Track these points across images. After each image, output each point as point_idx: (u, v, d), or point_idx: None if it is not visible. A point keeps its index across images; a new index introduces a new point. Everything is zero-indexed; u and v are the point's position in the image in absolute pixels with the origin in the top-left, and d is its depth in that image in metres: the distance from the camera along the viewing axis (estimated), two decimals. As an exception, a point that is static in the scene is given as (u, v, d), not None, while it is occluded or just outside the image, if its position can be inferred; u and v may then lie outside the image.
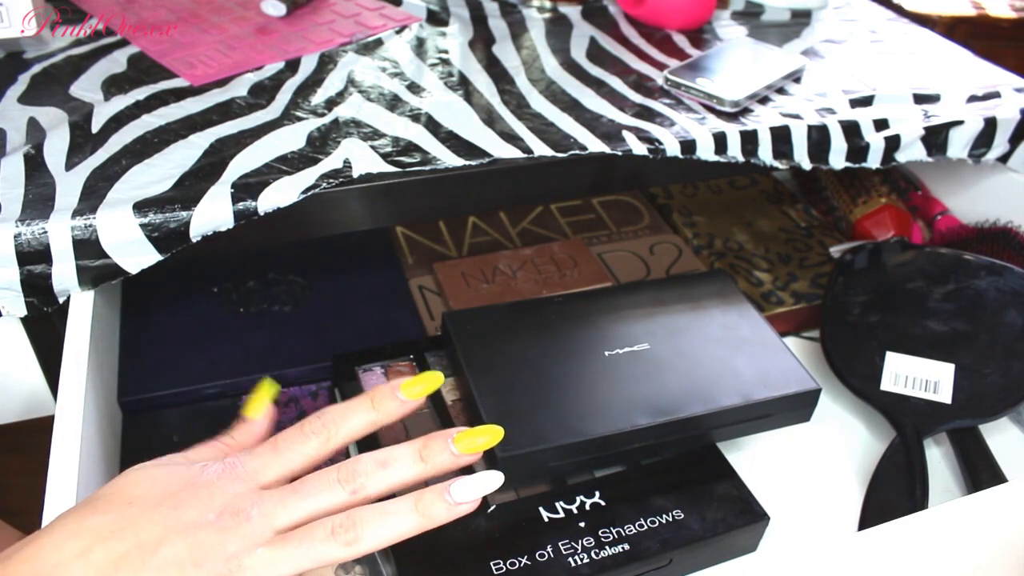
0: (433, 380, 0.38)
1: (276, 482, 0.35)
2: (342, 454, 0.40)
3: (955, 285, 0.62)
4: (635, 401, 0.50)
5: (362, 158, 0.52)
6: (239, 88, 0.60)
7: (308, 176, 0.50)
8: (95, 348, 0.48)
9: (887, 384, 0.57)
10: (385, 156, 0.52)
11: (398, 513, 0.34)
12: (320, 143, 0.54)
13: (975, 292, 0.61)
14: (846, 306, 0.63)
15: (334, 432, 0.37)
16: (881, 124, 0.61)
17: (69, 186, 0.49)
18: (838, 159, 0.60)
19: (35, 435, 0.50)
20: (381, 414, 0.37)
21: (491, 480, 0.35)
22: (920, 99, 0.65)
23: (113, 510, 0.32)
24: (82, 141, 0.53)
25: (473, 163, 0.52)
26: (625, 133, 0.56)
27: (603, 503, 0.48)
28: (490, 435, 0.36)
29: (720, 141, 0.57)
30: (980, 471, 0.54)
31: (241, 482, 0.34)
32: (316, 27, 0.71)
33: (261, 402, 0.40)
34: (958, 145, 0.63)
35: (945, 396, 0.56)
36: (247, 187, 0.48)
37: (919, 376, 0.57)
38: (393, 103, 0.59)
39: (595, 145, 0.55)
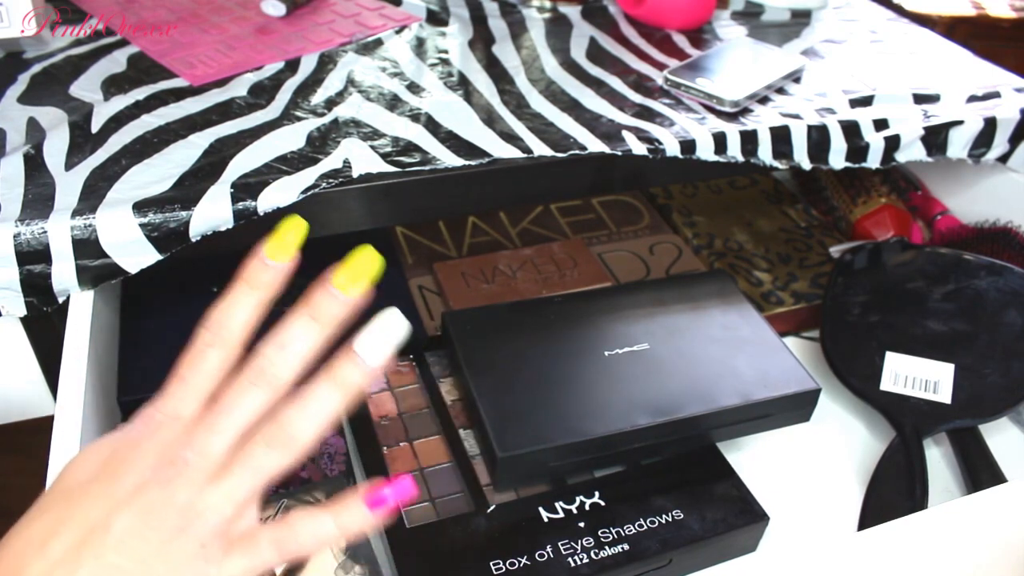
0: (297, 226, 0.35)
1: (197, 412, 0.33)
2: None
3: (955, 285, 0.62)
4: (635, 401, 0.50)
5: (362, 158, 0.52)
6: (239, 88, 0.60)
7: (308, 176, 0.50)
8: (95, 348, 0.48)
9: (887, 384, 0.57)
10: (385, 156, 0.52)
11: (318, 397, 0.32)
12: (320, 143, 0.54)
13: (975, 292, 0.61)
14: (846, 306, 0.63)
15: (227, 334, 0.34)
16: (881, 124, 0.61)
17: (69, 186, 0.49)
18: (838, 159, 0.60)
19: (35, 435, 0.50)
20: (262, 289, 0.34)
21: (392, 323, 0.33)
22: (920, 99, 0.65)
23: (56, 504, 0.31)
24: (82, 141, 0.53)
25: (473, 163, 0.52)
26: (625, 133, 0.56)
27: (603, 503, 0.48)
28: (364, 259, 0.34)
29: (720, 141, 0.57)
30: (980, 471, 0.54)
31: (165, 428, 0.32)
32: (316, 27, 0.71)
33: (289, 242, 0.35)
34: (958, 145, 0.63)
35: (945, 396, 0.56)
36: (247, 187, 0.48)
37: (919, 376, 0.57)
38: (393, 103, 0.59)
39: (595, 145, 0.55)
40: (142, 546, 0.30)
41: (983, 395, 0.56)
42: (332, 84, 0.61)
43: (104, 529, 0.30)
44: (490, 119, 0.58)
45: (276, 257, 0.34)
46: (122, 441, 0.33)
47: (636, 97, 0.62)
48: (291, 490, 0.47)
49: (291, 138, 0.54)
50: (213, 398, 0.33)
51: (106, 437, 0.33)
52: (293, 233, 0.35)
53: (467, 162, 0.52)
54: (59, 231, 0.46)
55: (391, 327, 0.32)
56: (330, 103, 0.59)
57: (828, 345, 0.61)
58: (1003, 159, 0.65)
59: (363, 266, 0.34)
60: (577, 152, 0.54)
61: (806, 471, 0.56)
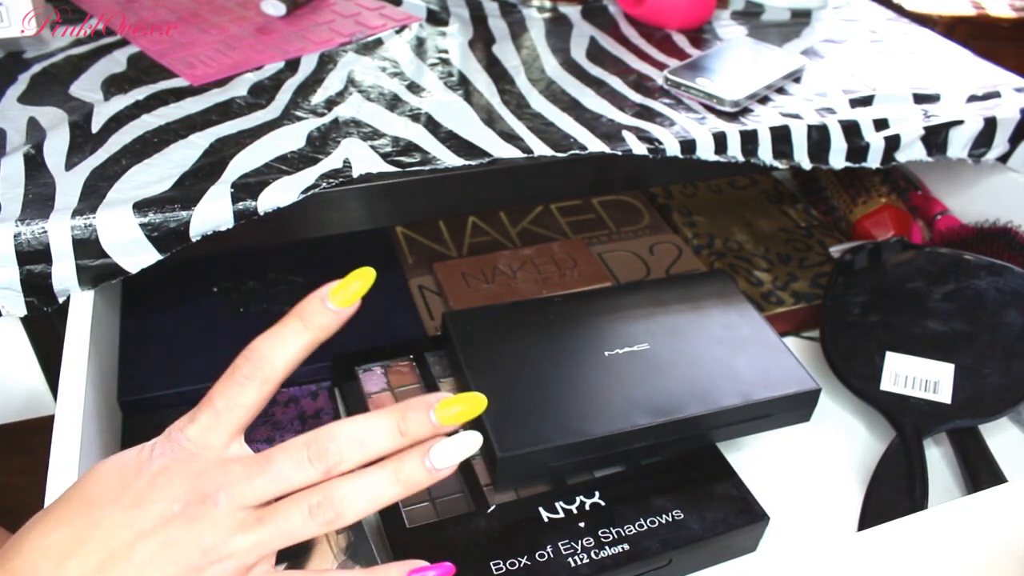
0: (365, 277, 0.34)
1: (225, 443, 0.33)
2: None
3: (955, 285, 0.62)
4: (635, 401, 0.50)
5: (362, 158, 0.52)
6: (239, 88, 0.60)
7: (308, 176, 0.50)
8: (95, 348, 0.48)
9: (887, 384, 0.57)
10: (385, 156, 0.52)
11: (377, 485, 0.32)
12: (320, 143, 0.54)
13: (975, 292, 0.61)
14: (846, 306, 0.63)
15: (268, 369, 0.33)
16: (881, 124, 0.61)
17: (69, 186, 0.49)
18: (838, 159, 0.60)
19: (35, 435, 0.50)
20: (315, 331, 0.34)
21: (471, 442, 0.33)
22: (920, 99, 0.65)
23: (76, 517, 0.31)
24: (82, 141, 0.53)
25: (473, 163, 0.52)
26: (625, 133, 0.56)
27: (603, 503, 0.48)
28: (473, 403, 0.33)
29: (720, 141, 0.57)
30: (980, 471, 0.54)
31: (197, 460, 0.32)
32: (316, 27, 0.71)
33: (354, 291, 0.35)
34: (958, 145, 0.63)
35: (945, 396, 0.56)
36: (247, 187, 0.48)
37: (919, 376, 0.57)
38: (393, 103, 0.59)
39: (595, 145, 0.55)
40: None
41: (983, 395, 0.56)
42: (332, 84, 0.61)
43: (125, 558, 0.30)
44: (490, 119, 0.58)
45: (338, 302, 0.34)
46: (149, 463, 0.32)
47: (636, 97, 0.62)
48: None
49: (291, 138, 0.54)
50: (242, 431, 0.33)
51: (129, 453, 0.33)
52: (360, 283, 0.35)
53: (467, 162, 0.52)
54: (59, 231, 0.46)
55: (468, 445, 0.32)
56: (330, 103, 0.59)
57: (828, 345, 0.61)
58: (1003, 159, 0.65)
59: (460, 399, 0.33)
60: (577, 152, 0.54)
61: (806, 471, 0.56)
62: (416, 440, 0.32)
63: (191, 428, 0.32)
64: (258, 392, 0.33)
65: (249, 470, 0.31)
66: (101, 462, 0.33)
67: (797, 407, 0.53)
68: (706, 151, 0.57)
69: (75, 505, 0.31)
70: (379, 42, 0.69)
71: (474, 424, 0.53)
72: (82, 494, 0.32)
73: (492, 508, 0.48)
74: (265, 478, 0.31)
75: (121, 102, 0.57)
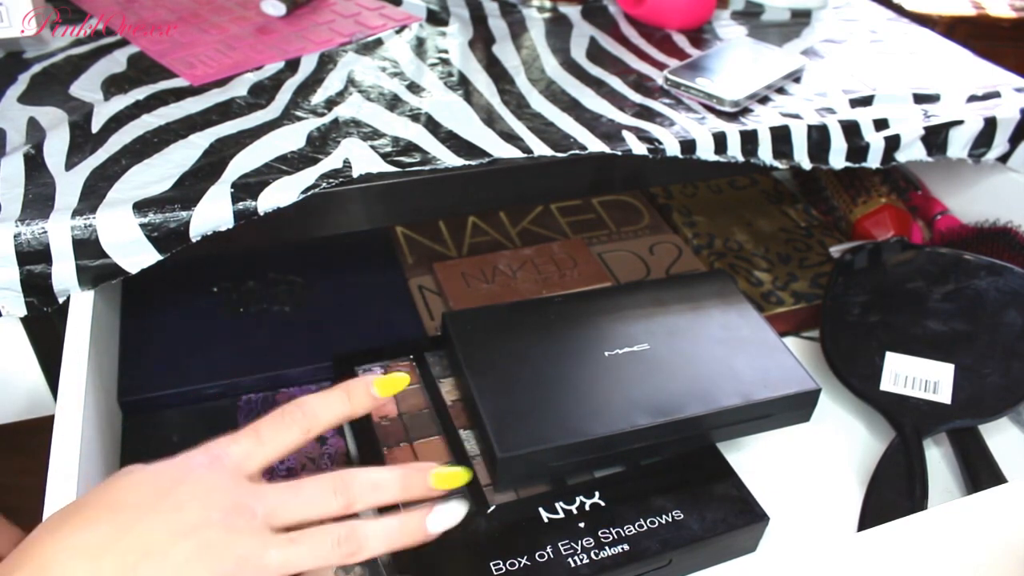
0: (400, 382, 0.40)
1: (258, 472, 0.36)
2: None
3: (955, 285, 0.62)
4: (635, 401, 0.50)
5: (362, 158, 0.52)
6: (239, 88, 0.60)
7: (308, 176, 0.50)
8: (95, 348, 0.48)
9: (887, 384, 0.57)
10: (385, 156, 0.52)
11: (393, 530, 0.36)
12: (320, 143, 0.54)
13: (975, 292, 0.61)
14: (846, 306, 0.63)
15: (313, 424, 0.38)
16: (881, 124, 0.61)
17: (69, 186, 0.49)
18: (838, 159, 0.60)
19: (35, 435, 0.50)
20: (355, 407, 0.39)
21: (457, 512, 0.38)
22: (920, 99, 0.65)
23: (108, 519, 0.32)
24: (82, 141, 0.53)
25: (473, 163, 0.52)
26: (625, 133, 0.56)
27: (603, 503, 0.48)
28: (461, 479, 0.39)
29: (720, 141, 0.57)
30: (980, 471, 0.54)
31: (230, 476, 0.34)
32: (316, 27, 0.71)
33: (393, 386, 0.40)
34: (958, 145, 0.63)
35: (945, 396, 0.56)
36: (247, 187, 0.48)
37: (919, 376, 0.57)
38: (393, 103, 0.59)
39: (595, 145, 0.55)
40: None
41: (983, 395, 0.56)
42: (332, 84, 0.61)
43: (162, 556, 0.31)
44: (490, 119, 0.58)
45: (379, 392, 0.40)
46: (189, 473, 0.34)
47: (636, 97, 0.62)
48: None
49: (291, 138, 0.54)
50: (270, 465, 0.37)
51: (160, 464, 0.34)
52: (399, 382, 0.40)
53: (467, 162, 0.52)
54: (59, 231, 0.46)
55: (455, 514, 0.38)
56: (330, 103, 0.59)
57: (828, 345, 0.61)
58: (1003, 159, 0.65)
59: (452, 475, 0.39)
60: (577, 152, 0.54)
61: (806, 471, 0.56)
62: (414, 497, 0.38)
63: (234, 448, 0.36)
64: (298, 438, 0.37)
65: (284, 493, 0.35)
66: (127, 471, 0.34)
67: (797, 407, 0.53)
68: (706, 151, 0.57)
69: (104, 508, 0.32)
70: (379, 42, 0.69)
71: (474, 424, 0.53)
72: (111, 499, 0.33)
73: (492, 508, 0.48)
74: (297, 502, 0.35)
75: (121, 102, 0.57)
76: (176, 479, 0.33)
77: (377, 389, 0.40)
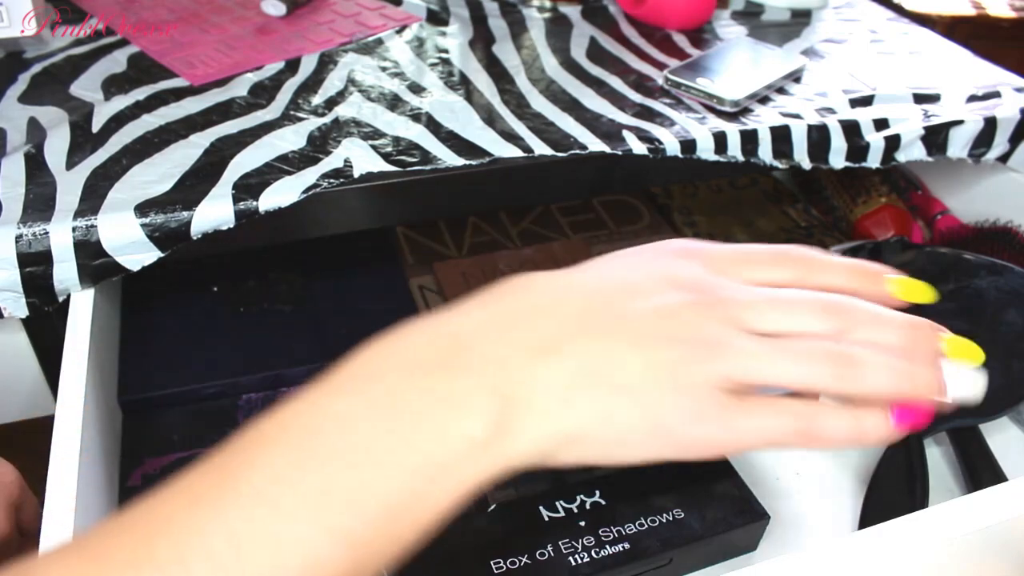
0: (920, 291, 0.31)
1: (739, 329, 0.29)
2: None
3: (955, 284, 0.62)
4: (635, 401, 0.50)
5: (363, 158, 0.52)
6: (239, 88, 0.60)
7: (309, 176, 0.50)
8: (95, 348, 0.48)
9: None
10: (386, 156, 0.52)
11: (898, 372, 0.28)
12: (320, 143, 0.54)
13: (975, 291, 0.61)
14: None
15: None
16: (881, 124, 0.61)
17: (70, 186, 0.49)
18: (838, 159, 0.60)
19: (35, 435, 0.50)
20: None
21: (979, 383, 0.29)
22: (920, 99, 0.65)
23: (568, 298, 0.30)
24: (83, 141, 0.53)
25: (473, 163, 0.52)
26: (625, 133, 0.56)
27: (603, 502, 0.48)
28: (976, 355, 0.30)
29: (720, 141, 0.57)
30: (980, 471, 0.54)
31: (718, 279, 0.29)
32: (316, 27, 0.71)
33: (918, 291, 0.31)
34: (958, 145, 0.63)
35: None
36: (248, 187, 0.48)
37: None
38: (393, 103, 0.59)
39: (595, 145, 0.55)
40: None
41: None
42: (332, 84, 0.61)
43: (638, 319, 0.28)
44: (491, 119, 0.58)
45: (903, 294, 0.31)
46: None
47: (636, 97, 0.62)
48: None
49: (292, 138, 0.54)
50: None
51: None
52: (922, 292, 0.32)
53: (468, 162, 0.52)
54: (61, 233, 0.46)
55: (978, 385, 0.29)
56: (331, 103, 0.59)
57: None
58: (1003, 159, 0.65)
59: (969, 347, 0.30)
60: (578, 152, 0.54)
61: (806, 470, 0.56)
62: (916, 355, 0.29)
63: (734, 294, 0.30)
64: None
65: (768, 297, 0.29)
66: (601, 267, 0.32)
67: (797, 407, 0.53)
68: (706, 151, 0.57)
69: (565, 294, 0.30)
70: (379, 42, 0.69)
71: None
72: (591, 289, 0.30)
73: (492, 508, 0.48)
74: (780, 310, 0.29)
75: (121, 102, 0.57)
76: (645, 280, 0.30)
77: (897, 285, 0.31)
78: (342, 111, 0.57)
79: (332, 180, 0.49)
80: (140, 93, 0.59)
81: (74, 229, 0.46)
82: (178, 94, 0.59)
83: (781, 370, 0.28)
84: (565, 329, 0.28)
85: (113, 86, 0.60)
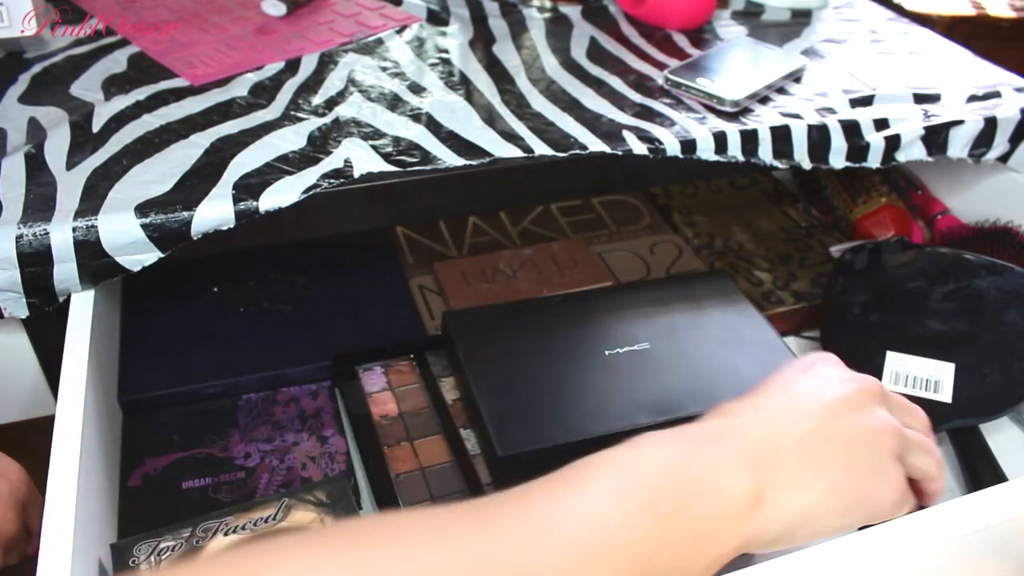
0: None
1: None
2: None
3: (955, 285, 0.62)
4: (635, 400, 0.50)
5: (363, 158, 0.52)
6: (239, 88, 0.60)
7: (309, 176, 0.50)
8: (95, 348, 0.48)
9: (887, 383, 0.57)
10: (386, 156, 0.52)
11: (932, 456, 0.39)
12: (321, 143, 0.54)
13: (975, 291, 0.61)
14: (846, 306, 0.63)
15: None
16: (881, 124, 0.61)
17: (70, 185, 0.49)
18: (838, 159, 0.60)
19: (35, 435, 0.50)
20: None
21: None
22: (920, 99, 0.65)
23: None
24: (83, 140, 0.53)
25: (474, 163, 0.52)
26: (625, 133, 0.56)
27: (603, 503, 0.48)
28: None
29: (720, 141, 0.57)
30: (980, 471, 0.54)
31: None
32: (316, 27, 0.71)
33: None
34: (958, 145, 0.63)
35: (946, 396, 0.56)
36: (248, 187, 0.48)
37: (919, 376, 0.57)
38: (394, 103, 0.59)
39: (595, 145, 0.55)
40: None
41: (983, 394, 0.56)
42: (333, 84, 0.62)
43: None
44: (491, 119, 0.58)
45: None
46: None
47: (636, 97, 0.62)
48: (292, 489, 0.47)
49: (292, 138, 0.54)
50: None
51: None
52: None
53: (468, 162, 0.52)
54: (61, 233, 0.46)
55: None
56: (331, 103, 0.59)
57: (828, 345, 0.61)
58: (1003, 159, 0.65)
59: None
60: (578, 152, 0.54)
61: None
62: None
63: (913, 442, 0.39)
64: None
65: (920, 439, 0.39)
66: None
67: (797, 407, 0.53)
68: (706, 151, 0.57)
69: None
70: (379, 42, 0.69)
71: (474, 423, 0.53)
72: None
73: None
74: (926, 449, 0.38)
75: (122, 102, 0.57)
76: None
77: None
78: (342, 111, 0.57)
79: (332, 180, 0.49)
80: (140, 93, 0.59)
81: (74, 229, 0.46)
82: (178, 94, 0.59)
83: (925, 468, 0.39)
84: None
85: (113, 86, 0.60)
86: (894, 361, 0.58)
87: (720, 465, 0.33)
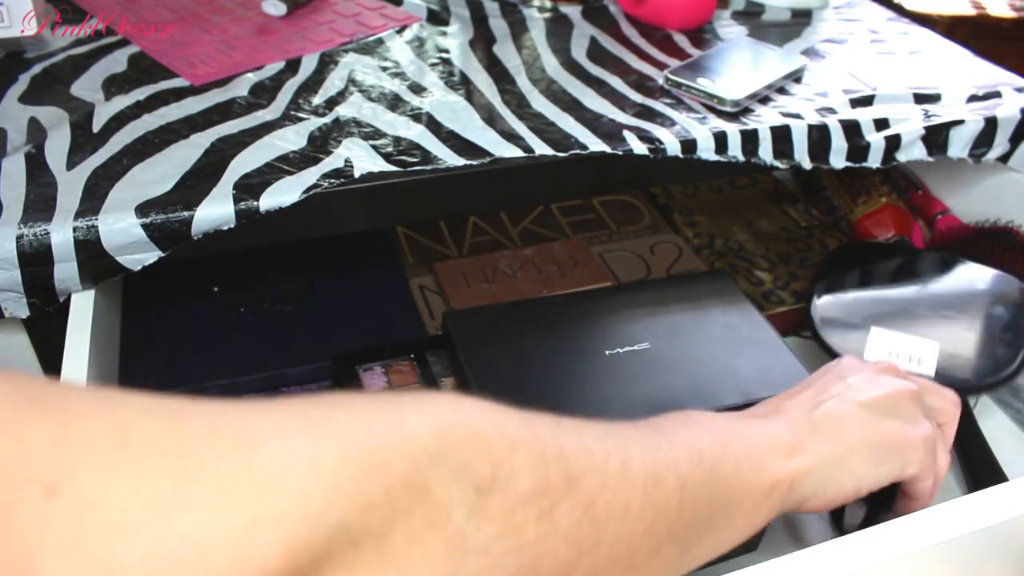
0: None
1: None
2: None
3: (953, 284, 0.62)
4: (636, 400, 0.50)
5: (363, 158, 0.52)
6: (240, 88, 0.60)
7: (309, 176, 0.50)
8: (95, 348, 0.48)
9: (870, 359, 0.57)
10: (386, 156, 0.52)
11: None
12: (321, 143, 0.54)
13: (966, 287, 0.61)
14: (836, 279, 0.64)
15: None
16: (881, 124, 0.61)
17: (70, 185, 0.49)
18: (838, 159, 0.60)
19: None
20: None
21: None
22: (920, 99, 0.65)
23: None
24: (83, 141, 0.53)
25: (474, 163, 0.52)
26: (626, 133, 0.56)
27: (604, 503, 0.48)
28: None
29: (721, 141, 0.57)
30: (980, 471, 0.54)
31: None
32: (316, 27, 0.71)
33: None
34: (958, 145, 0.63)
35: (929, 370, 0.56)
36: (248, 187, 0.48)
37: (902, 352, 0.58)
38: (394, 103, 0.59)
39: (596, 145, 0.55)
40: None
41: (968, 370, 0.56)
42: (333, 84, 0.62)
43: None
44: (491, 119, 0.58)
45: None
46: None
47: (637, 97, 0.62)
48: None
49: (292, 138, 0.54)
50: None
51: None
52: None
53: (468, 162, 0.52)
54: (61, 233, 0.46)
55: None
56: (331, 103, 0.59)
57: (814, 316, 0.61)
58: (1004, 159, 0.65)
59: None
60: (578, 152, 0.54)
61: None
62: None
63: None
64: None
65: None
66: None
67: (798, 407, 0.53)
68: (707, 151, 0.57)
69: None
70: (380, 42, 0.69)
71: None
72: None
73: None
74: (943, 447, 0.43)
75: (122, 102, 0.57)
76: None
77: None
78: (343, 111, 0.57)
79: (333, 180, 0.49)
80: (141, 93, 0.59)
81: (75, 229, 0.46)
82: (179, 94, 0.59)
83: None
84: None
85: (114, 86, 0.60)
86: (878, 336, 0.58)
87: (761, 423, 0.40)
